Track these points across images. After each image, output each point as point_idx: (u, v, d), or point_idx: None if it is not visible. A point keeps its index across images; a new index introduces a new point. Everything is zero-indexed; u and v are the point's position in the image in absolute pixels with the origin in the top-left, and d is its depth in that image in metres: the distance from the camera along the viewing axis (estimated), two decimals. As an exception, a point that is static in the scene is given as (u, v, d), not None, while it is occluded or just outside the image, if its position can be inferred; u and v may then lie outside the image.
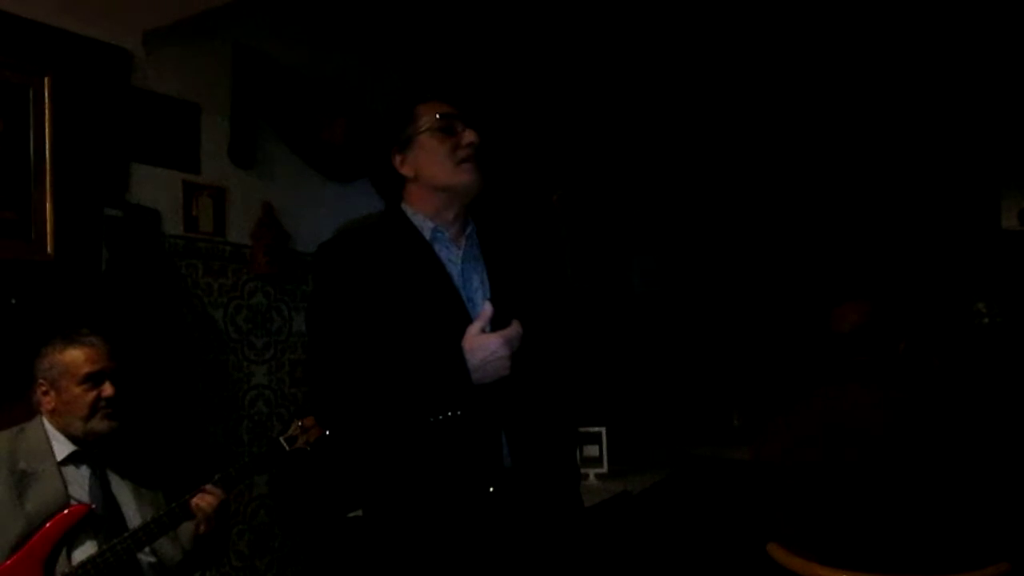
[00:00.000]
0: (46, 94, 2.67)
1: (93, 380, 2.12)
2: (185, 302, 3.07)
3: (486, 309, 1.59)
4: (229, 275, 3.27)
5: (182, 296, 3.06)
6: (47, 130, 2.67)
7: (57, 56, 2.70)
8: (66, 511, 2.00)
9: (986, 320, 4.36)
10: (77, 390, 2.11)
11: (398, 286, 1.65)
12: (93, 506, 2.05)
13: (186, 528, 2.15)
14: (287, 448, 2.22)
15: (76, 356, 2.13)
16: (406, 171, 1.76)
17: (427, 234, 1.74)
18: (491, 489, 1.60)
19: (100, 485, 2.12)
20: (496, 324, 1.60)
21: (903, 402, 2.05)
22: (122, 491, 2.16)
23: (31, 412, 2.18)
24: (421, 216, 1.76)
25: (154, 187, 3.02)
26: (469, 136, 1.74)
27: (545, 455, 1.71)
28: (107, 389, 2.12)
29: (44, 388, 2.15)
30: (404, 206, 1.79)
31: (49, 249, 2.65)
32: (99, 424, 2.12)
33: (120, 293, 2.79)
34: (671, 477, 3.98)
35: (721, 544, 3.41)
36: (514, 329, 1.58)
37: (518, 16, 3.96)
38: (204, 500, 2.12)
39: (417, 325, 1.63)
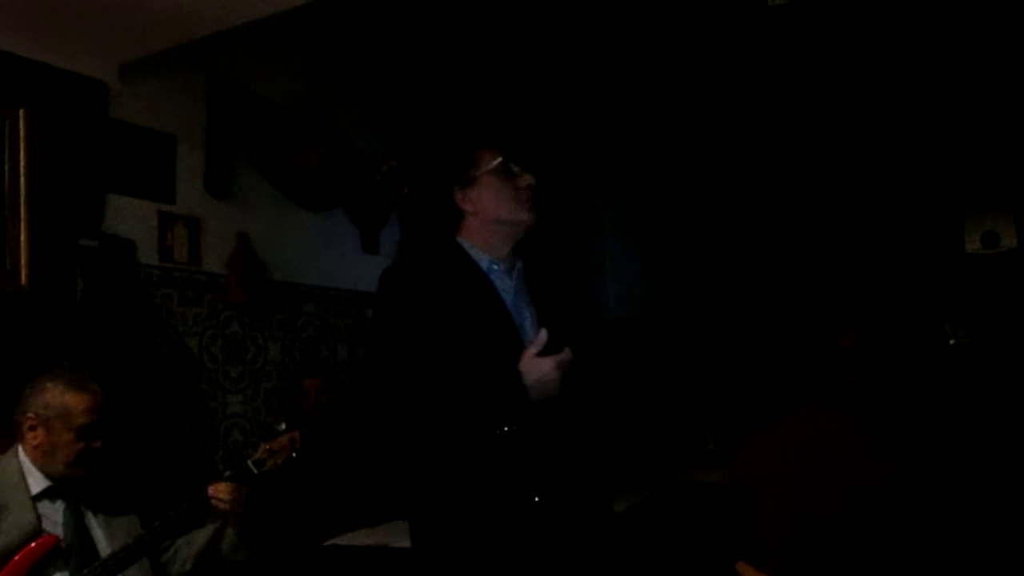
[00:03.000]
0: (21, 126, 2.69)
1: (86, 432, 2.09)
2: (160, 332, 3.07)
3: (541, 335, 1.75)
4: (204, 304, 3.28)
5: (157, 326, 3.06)
6: (22, 161, 2.69)
7: (33, 88, 2.72)
8: (33, 544, 1.99)
9: (953, 341, 4.44)
10: (68, 436, 2.08)
11: (459, 312, 1.82)
12: (60, 538, 2.04)
13: (183, 547, 2.16)
14: (255, 471, 2.23)
15: (77, 404, 2.09)
16: (467, 207, 1.93)
17: (483, 265, 1.92)
18: (536, 499, 1.76)
19: (74, 520, 2.11)
20: (544, 350, 1.76)
21: (877, 427, 2.09)
22: (96, 526, 2.15)
23: (4, 444, 2.16)
24: (478, 250, 1.93)
25: (129, 217, 3.03)
26: (528, 178, 1.93)
27: (585, 471, 1.89)
28: (96, 443, 2.11)
29: (33, 423, 2.10)
30: (460, 239, 1.95)
31: (23, 280, 2.66)
32: (79, 472, 2.10)
33: (95, 323, 2.80)
34: (646, 500, 3.99)
35: (693, 565, 3.43)
36: (566, 354, 1.75)
37: (491, 42, 4.02)
38: (219, 491, 2.16)
39: (476, 348, 1.79)
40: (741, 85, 4.58)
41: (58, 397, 2.09)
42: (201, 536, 2.25)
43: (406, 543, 2.75)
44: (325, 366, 3.75)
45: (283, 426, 2.33)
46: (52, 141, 2.77)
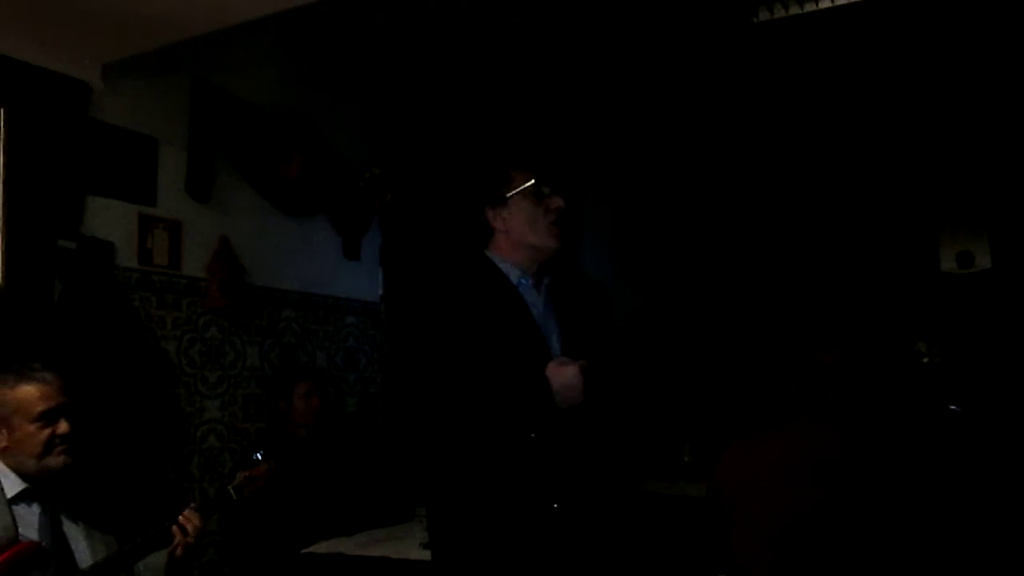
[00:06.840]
0: (0, 125, 2.66)
1: (47, 418, 2.07)
2: (138, 335, 3.04)
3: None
4: (183, 308, 3.25)
5: (135, 329, 3.03)
6: (0, 160, 2.65)
7: (13, 87, 2.69)
8: (14, 548, 1.96)
9: (926, 359, 4.49)
10: (31, 428, 2.05)
11: (489, 323, 1.91)
12: (43, 543, 2.01)
13: (150, 564, 2.13)
14: (235, 497, 2.26)
15: (29, 393, 2.07)
16: (498, 225, 2.01)
17: (513, 280, 2.00)
18: (555, 505, 1.83)
19: (51, 524, 2.07)
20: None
21: (862, 440, 2.10)
22: (73, 530, 2.11)
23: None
24: (508, 264, 2.01)
25: (109, 219, 3.01)
26: (557, 201, 1.99)
27: (606, 479, 1.97)
28: (62, 426, 2.08)
29: None
30: (491, 254, 2.03)
31: (0, 280, 2.62)
32: (54, 461, 2.07)
33: (72, 325, 2.76)
34: (621, 512, 3.99)
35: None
36: (587, 363, 1.83)
37: (474, 51, 4.03)
38: (190, 522, 2.13)
39: (505, 356, 1.88)
40: (722, 103, 4.63)
41: (9, 393, 2.07)
42: (165, 556, 2.23)
43: (382, 551, 2.76)
44: (315, 370, 3.73)
45: (259, 455, 2.37)
46: (32, 141, 2.73)
